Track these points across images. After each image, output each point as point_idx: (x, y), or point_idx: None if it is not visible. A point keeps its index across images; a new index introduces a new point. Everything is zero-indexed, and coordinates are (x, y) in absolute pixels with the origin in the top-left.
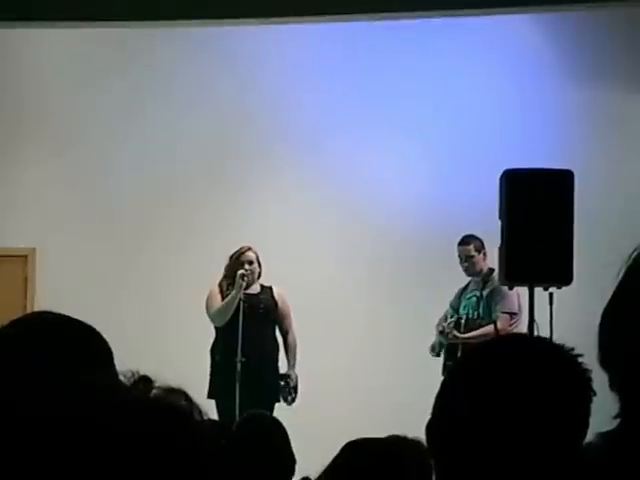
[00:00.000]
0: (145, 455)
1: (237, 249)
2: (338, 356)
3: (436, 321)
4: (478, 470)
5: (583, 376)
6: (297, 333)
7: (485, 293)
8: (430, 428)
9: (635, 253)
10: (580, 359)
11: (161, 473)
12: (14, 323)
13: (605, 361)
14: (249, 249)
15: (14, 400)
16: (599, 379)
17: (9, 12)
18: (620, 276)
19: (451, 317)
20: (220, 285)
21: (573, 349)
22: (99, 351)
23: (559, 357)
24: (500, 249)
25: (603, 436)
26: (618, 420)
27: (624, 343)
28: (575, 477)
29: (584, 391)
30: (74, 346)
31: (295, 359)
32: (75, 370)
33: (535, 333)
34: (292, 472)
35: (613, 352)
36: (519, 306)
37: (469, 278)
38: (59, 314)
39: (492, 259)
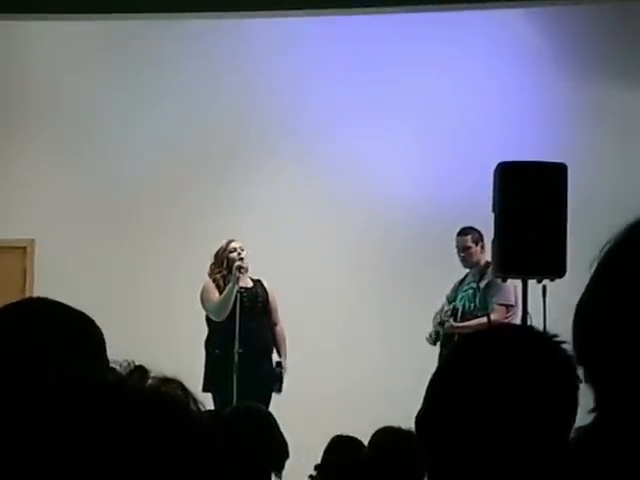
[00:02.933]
0: (139, 445)
1: (221, 244)
2: (332, 347)
3: (431, 309)
4: (468, 460)
5: (569, 363)
6: (294, 324)
7: (482, 285)
8: (419, 419)
9: (606, 247)
10: (565, 346)
11: (155, 462)
12: (6, 308)
13: (579, 354)
14: (235, 240)
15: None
16: None
17: (11, 5)
18: (592, 269)
19: (444, 311)
20: (215, 279)
21: (557, 335)
22: (91, 337)
23: (545, 345)
24: (493, 242)
25: (578, 431)
26: (593, 415)
27: (597, 337)
28: (564, 468)
29: (570, 378)
30: (66, 331)
31: (286, 349)
32: (66, 355)
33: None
34: (285, 457)
35: (586, 346)
36: (515, 298)
37: (466, 270)
38: (52, 300)
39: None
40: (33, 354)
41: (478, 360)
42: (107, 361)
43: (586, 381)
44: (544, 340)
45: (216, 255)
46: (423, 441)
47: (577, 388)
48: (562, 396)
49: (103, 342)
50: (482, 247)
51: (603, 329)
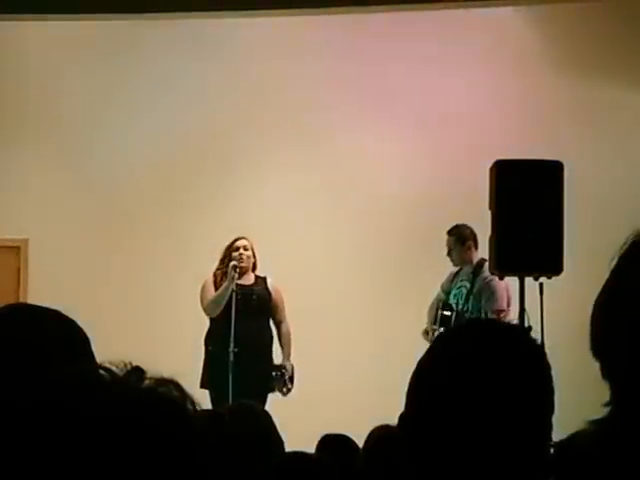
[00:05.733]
0: (136, 446)
1: (232, 240)
2: (330, 345)
3: (425, 305)
4: (453, 459)
5: (544, 357)
6: (292, 323)
7: (475, 288)
8: (404, 420)
9: (627, 243)
10: (532, 335)
11: (152, 462)
12: None
13: (598, 350)
14: (243, 238)
15: None
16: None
17: (6, 5)
18: (613, 265)
19: (442, 308)
20: (215, 275)
21: (531, 328)
22: (71, 340)
23: (523, 341)
24: (490, 239)
25: (594, 424)
26: (608, 408)
27: (619, 332)
28: (548, 465)
29: (547, 376)
30: (44, 334)
31: (290, 350)
32: (46, 358)
33: (526, 323)
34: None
35: (607, 341)
36: (507, 300)
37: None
38: (29, 304)
39: (484, 249)
40: (11, 359)
41: (458, 359)
42: (93, 361)
43: (603, 376)
44: (521, 336)
45: (224, 251)
46: (408, 441)
47: (551, 380)
48: (543, 395)
49: (86, 343)
50: (470, 246)
51: (623, 326)
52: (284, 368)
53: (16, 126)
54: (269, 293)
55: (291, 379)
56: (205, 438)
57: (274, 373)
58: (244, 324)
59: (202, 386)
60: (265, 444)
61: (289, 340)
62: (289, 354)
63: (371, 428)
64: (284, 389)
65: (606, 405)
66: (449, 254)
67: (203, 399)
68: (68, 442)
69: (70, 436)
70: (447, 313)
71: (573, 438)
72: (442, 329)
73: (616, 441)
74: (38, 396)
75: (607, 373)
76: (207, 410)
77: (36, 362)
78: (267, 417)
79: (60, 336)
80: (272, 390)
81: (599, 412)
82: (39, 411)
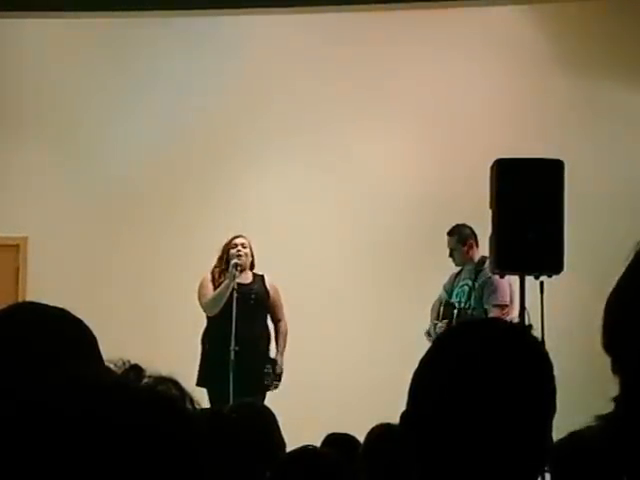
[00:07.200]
0: (136, 445)
1: (230, 238)
2: (330, 343)
3: (430, 306)
4: (458, 457)
5: (546, 358)
6: (291, 321)
7: (477, 284)
8: (407, 418)
9: None
10: (532, 333)
11: (152, 461)
12: None
13: (610, 344)
14: (241, 236)
15: None
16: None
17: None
18: (629, 260)
19: (444, 305)
20: (212, 273)
21: (522, 324)
22: (78, 338)
23: (517, 337)
24: (490, 238)
25: (602, 419)
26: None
27: (633, 327)
28: (544, 462)
29: (550, 377)
30: (51, 333)
31: (285, 346)
32: (52, 358)
33: (526, 322)
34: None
35: (620, 335)
36: (510, 296)
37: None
38: (36, 303)
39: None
40: (18, 358)
41: (459, 358)
42: (100, 361)
43: (613, 371)
44: (522, 334)
45: (222, 249)
46: (409, 439)
47: (553, 378)
48: (544, 393)
49: (93, 342)
50: (471, 245)
51: (637, 321)
52: (276, 363)
53: (16, 124)
54: (267, 291)
55: (279, 375)
56: (204, 437)
57: (267, 366)
58: (244, 323)
59: (198, 384)
60: (269, 442)
61: (285, 337)
62: (283, 351)
63: (370, 427)
64: (273, 384)
65: (614, 400)
66: (451, 255)
67: (200, 398)
68: (65, 443)
69: (67, 437)
70: (450, 310)
71: (572, 436)
72: (445, 321)
73: (624, 436)
74: (36, 397)
75: (618, 368)
76: (208, 408)
77: (41, 363)
78: (271, 415)
79: (66, 336)
80: (268, 388)
81: (599, 410)
82: (37, 412)
